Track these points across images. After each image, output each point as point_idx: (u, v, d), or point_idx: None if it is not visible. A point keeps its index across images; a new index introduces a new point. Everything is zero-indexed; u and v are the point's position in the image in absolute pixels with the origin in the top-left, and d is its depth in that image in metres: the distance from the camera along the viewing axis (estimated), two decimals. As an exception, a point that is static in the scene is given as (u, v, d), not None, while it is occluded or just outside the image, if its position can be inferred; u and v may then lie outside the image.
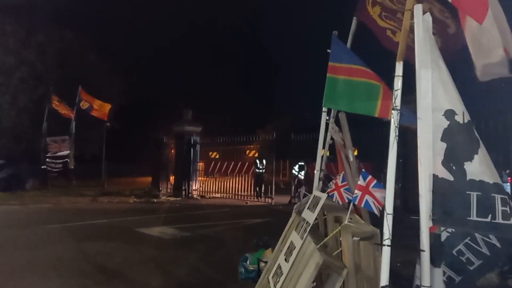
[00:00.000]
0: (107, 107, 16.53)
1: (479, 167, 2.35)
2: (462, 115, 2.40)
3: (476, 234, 2.61)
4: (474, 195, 2.31)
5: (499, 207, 2.25)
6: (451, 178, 2.38)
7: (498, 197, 2.26)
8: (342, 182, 4.05)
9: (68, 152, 15.65)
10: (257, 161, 15.38)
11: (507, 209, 2.25)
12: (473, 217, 2.30)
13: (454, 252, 2.65)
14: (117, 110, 21.04)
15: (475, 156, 2.36)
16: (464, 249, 2.65)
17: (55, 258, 5.57)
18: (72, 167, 15.77)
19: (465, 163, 2.38)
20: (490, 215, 2.27)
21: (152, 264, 5.48)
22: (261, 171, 16.70)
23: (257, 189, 15.88)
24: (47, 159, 15.93)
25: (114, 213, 10.64)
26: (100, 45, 21.98)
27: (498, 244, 2.57)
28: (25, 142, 18.09)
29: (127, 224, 8.73)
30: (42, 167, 15.95)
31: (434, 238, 2.37)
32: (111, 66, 22.75)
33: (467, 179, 2.36)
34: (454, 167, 2.38)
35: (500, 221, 2.24)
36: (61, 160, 15.79)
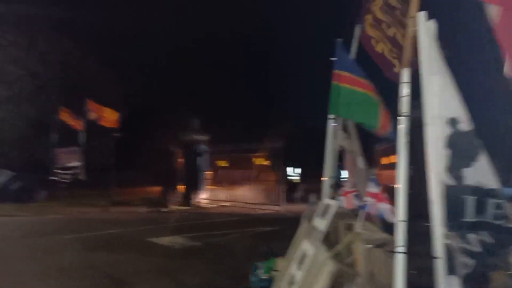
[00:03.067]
0: (115, 115, 16.68)
1: (475, 174, 2.43)
2: (464, 123, 2.43)
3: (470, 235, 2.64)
4: (469, 199, 2.40)
5: (492, 210, 2.37)
6: (453, 183, 2.41)
7: (492, 201, 2.38)
8: (351, 189, 4.05)
9: (77, 163, 15.78)
10: (288, 168, 15.88)
11: (501, 211, 2.37)
12: (468, 218, 2.39)
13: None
14: (126, 119, 21.19)
15: (472, 163, 2.45)
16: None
17: (68, 268, 5.61)
18: (82, 178, 15.90)
19: (463, 169, 2.45)
20: (483, 217, 2.39)
21: (163, 274, 5.50)
22: (294, 177, 16.92)
23: (293, 196, 16.12)
24: (57, 170, 16.08)
25: (124, 223, 10.69)
26: (108, 55, 22.19)
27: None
28: (35, 154, 18.27)
29: (138, 234, 8.76)
30: (52, 178, 16.10)
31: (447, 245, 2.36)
32: (118, 76, 22.96)
33: (464, 183, 2.41)
34: (455, 173, 2.40)
35: (492, 221, 2.36)
36: (70, 171, 15.93)
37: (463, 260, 2.51)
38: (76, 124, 16.19)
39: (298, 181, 17.77)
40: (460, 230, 2.43)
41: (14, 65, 18.60)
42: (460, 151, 2.44)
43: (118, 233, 9.04)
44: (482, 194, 2.39)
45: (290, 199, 16.68)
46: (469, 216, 2.38)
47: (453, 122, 2.46)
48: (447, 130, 2.45)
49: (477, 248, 2.55)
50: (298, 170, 17.72)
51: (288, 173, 16.87)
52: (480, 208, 2.39)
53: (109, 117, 16.39)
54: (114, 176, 17.42)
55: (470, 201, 2.39)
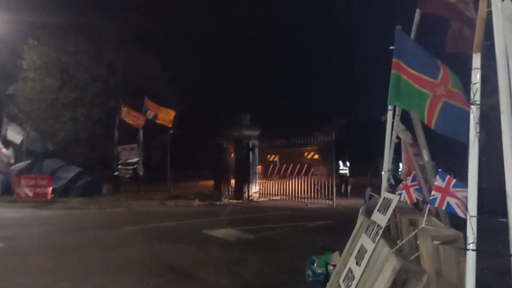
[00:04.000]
0: (172, 113, 17.43)
1: None
2: None
3: None
4: None
5: None
6: None
7: None
8: (411, 182, 3.88)
9: (138, 159, 16.70)
10: (340, 162, 15.85)
11: None
12: None
13: None
14: (179, 117, 22.13)
15: None
16: None
17: (131, 258, 5.99)
18: (141, 173, 16.82)
19: None
20: None
21: (219, 265, 5.66)
22: (345, 171, 16.84)
23: (342, 190, 16.05)
24: (119, 166, 17.15)
25: (180, 216, 11.16)
26: (164, 56, 23.34)
27: None
28: (100, 151, 19.68)
29: (194, 226, 9.10)
30: (115, 173, 17.21)
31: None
32: (173, 75, 23.99)
33: None
34: None
35: None
36: (131, 167, 16.91)
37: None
38: (136, 122, 17.13)
39: (348, 174, 17.38)
40: None
41: (84, 71, 20.20)
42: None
43: (175, 225, 9.46)
44: None
45: (341, 193, 16.37)
46: None
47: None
48: None
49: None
50: (348, 164, 17.31)
51: (339, 166, 16.53)
52: None
53: (165, 116, 17.17)
54: (171, 171, 18.26)
55: None
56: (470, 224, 2.11)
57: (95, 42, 21.29)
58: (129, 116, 17.10)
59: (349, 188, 17.23)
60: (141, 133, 16.89)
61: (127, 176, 16.94)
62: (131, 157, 16.86)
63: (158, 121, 17.34)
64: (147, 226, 9.13)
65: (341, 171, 16.88)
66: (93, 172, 16.98)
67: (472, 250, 2.11)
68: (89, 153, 20.45)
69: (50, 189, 13.84)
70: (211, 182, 18.82)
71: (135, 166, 16.69)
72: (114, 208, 12.79)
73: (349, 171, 17.41)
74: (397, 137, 4.21)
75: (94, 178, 16.41)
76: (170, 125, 17.55)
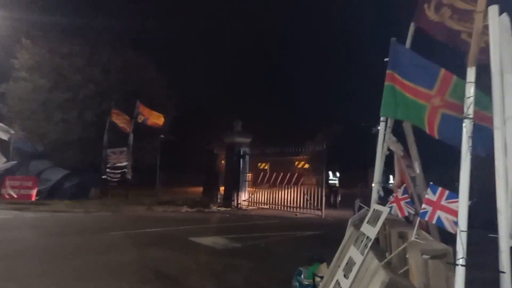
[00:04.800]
0: (162, 119, 17.31)
1: None
2: None
3: None
4: None
5: None
6: None
7: None
8: (403, 195, 3.85)
9: (126, 163, 16.52)
10: (330, 172, 15.91)
11: None
12: None
13: None
14: (171, 122, 21.99)
15: None
16: None
17: (116, 264, 5.85)
18: (130, 177, 16.61)
19: None
20: None
21: (206, 273, 5.56)
22: (334, 181, 16.86)
23: (331, 200, 16.06)
24: (107, 170, 16.93)
25: (168, 222, 11.01)
26: (158, 61, 23.27)
27: None
28: (90, 154, 19.41)
29: (181, 233, 8.96)
30: (103, 177, 16.97)
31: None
32: (166, 80, 23.91)
33: None
34: None
35: None
36: (120, 171, 16.70)
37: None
38: (125, 126, 16.97)
39: (337, 185, 17.45)
40: None
41: (77, 72, 20.03)
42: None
43: (162, 231, 9.31)
44: None
45: (330, 204, 16.37)
46: None
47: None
48: None
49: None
50: (338, 174, 17.39)
51: (328, 177, 16.58)
52: None
53: (155, 120, 17.04)
54: (160, 176, 18.07)
55: None
56: (460, 238, 2.09)
57: (90, 44, 21.14)
58: (119, 119, 16.94)
59: (338, 198, 17.26)
60: (131, 136, 16.72)
61: (115, 179, 16.71)
62: (120, 161, 16.66)
63: (148, 124, 17.21)
64: (133, 231, 8.97)
65: (330, 181, 16.92)
66: (81, 174, 16.72)
67: (462, 265, 2.08)
68: (79, 156, 20.15)
69: (35, 191, 13.57)
70: (201, 189, 18.67)
71: (123, 170, 16.48)
72: (101, 212, 12.58)
73: (339, 181, 17.46)
74: (388, 149, 4.21)
75: (82, 181, 16.18)
76: (161, 126, 17.43)
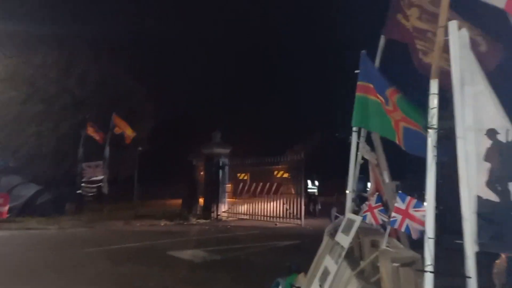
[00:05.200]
0: (133, 134, 17.04)
1: None
2: (505, 134, 2.28)
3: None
4: None
5: None
6: (496, 199, 2.25)
7: None
8: (376, 203, 3.93)
9: (102, 176, 16.14)
10: (309, 181, 15.83)
11: None
12: None
13: None
14: (149, 133, 21.68)
15: None
16: None
17: (94, 281, 5.68)
18: (106, 192, 16.23)
19: (509, 183, 2.27)
20: None
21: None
22: (313, 190, 16.85)
23: (310, 209, 16.02)
24: (82, 184, 16.48)
25: (146, 236, 10.78)
26: (135, 71, 22.96)
27: None
28: (64, 168, 18.86)
29: (159, 247, 8.80)
30: (78, 191, 16.50)
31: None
32: (144, 91, 23.63)
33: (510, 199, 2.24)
34: (499, 188, 2.25)
35: None
36: (95, 185, 16.29)
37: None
38: (101, 138, 16.64)
39: (316, 193, 17.60)
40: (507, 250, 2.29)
41: (51, 84, 19.51)
42: (502, 164, 2.30)
43: (139, 246, 9.11)
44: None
45: (309, 212, 16.44)
46: None
47: (491, 133, 2.33)
48: (486, 142, 2.33)
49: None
50: (317, 183, 17.55)
51: (307, 185, 16.70)
52: None
53: (130, 134, 16.80)
54: (138, 190, 17.73)
55: None
56: (428, 246, 2.15)
57: (64, 55, 20.67)
58: (95, 132, 16.62)
59: (317, 207, 17.37)
60: (107, 149, 16.38)
61: (91, 194, 16.28)
62: (95, 175, 16.27)
63: (126, 137, 16.93)
64: (109, 247, 8.73)
65: (309, 190, 17.04)
66: (55, 190, 16.17)
67: (430, 271, 2.13)
68: (53, 170, 19.52)
69: (7, 208, 13.05)
70: (180, 201, 18.42)
71: (99, 184, 16.09)
72: (76, 228, 12.19)
73: (318, 190, 17.61)
74: (363, 158, 4.29)
75: (55, 196, 15.64)
76: (130, 141, 17.17)
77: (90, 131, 16.64)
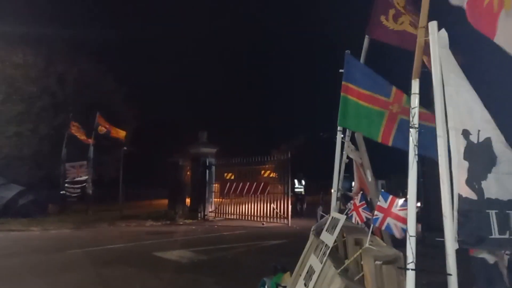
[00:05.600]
0: (123, 133, 16.86)
1: (494, 185, 2.36)
2: (476, 135, 2.36)
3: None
4: (492, 213, 2.33)
5: None
6: (474, 197, 2.32)
7: None
8: (360, 202, 3.98)
9: (87, 177, 15.89)
10: (296, 180, 15.82)
11: None
12: (495, 235, 2.32)
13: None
14: (134, 133, 21.45)
15: (489, 175, 2.38)
16: None
17: (77, 284, 5.58)
18: (91, 192, 15.98)
19: (482, 181, 2.37)
20: (508, 232, 2.31)
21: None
22: (300, 189, 16.86)
23: (298, 209, 16.00)
24: (66, 185, 16.19)
25: (131, 237, 10.65)
26: (117, 71, 22.68)
27: None
28: (46, 168, 18.50)
29: (145, 248, 8.71)
30: (61, 192, 16.20)
31: (474, 261, 2.29)
32: (129, 91, 23.37)
33: (485, 197, 2.33)
34: (476, 186, 2.32)
35: None
36: (79, 185, 16.03)
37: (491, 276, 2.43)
38: (86, 138, 16.38)
39: (303, 192, 17.65)
40: (487, 247, 2.36)
41: (31, 84, 19.08)
42: (476, 163, 2.37)
43: (125, 247, 9.00)
44: (502, 206, 2.31)
45: (297, 212, 16.51)
46: (494, 231, 2.31)
47: (466, 133, 2.40)
48: (463, 142, 2.39)
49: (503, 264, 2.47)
50: (303, 182, 17.61)
51: (294, 185, 16.76)
52: (503, 221, 2.31)
53: (116, 133, 16.59)
54: (123, 190, 17.51)
55: (493, 215, 2.32)
56: (410, 244, 2.18)
57: (44, 54, 20.27)
58: (79, 132, 16.34)
59: (304, 206, 17.45)
60: (91, 149, 16.12)
61: (75, 195, 16.00)
62: (79, 175, 16.00)
63: (112, 135, 16.69)
64: (94, 248, 8.60)
65: (296, 190, 17.10)
66: (37, 191, 15.83)
67: (412, 269, 2.17)
68: (35, 171, 19.12)
69: (-13, 209, 12.71)
70: (166, 201, 18.27)
71: (83, 184, 15.83)
72: (59, 229, 11.97)
73: (305, 190, 17.67)
74: (348, 157, 4.34)
75: (38, 197, 15.31)
76: (123, 142, 16.96)
77: (74, 130, 16.35)
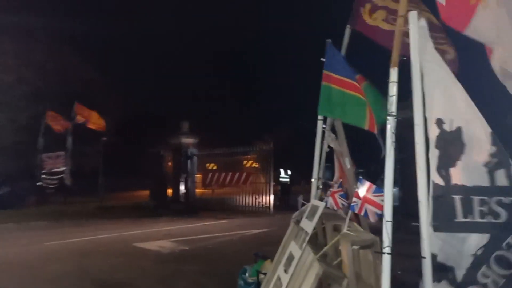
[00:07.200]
0: (102, 120, 16.52)
1: (461, 172, 2.46)
2: (449, 124, 2.43)
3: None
4: (457, 198, 2.43)
5: (477, 207, 2.41)
6: (442, 183, 2.41)
7: (476, 199, 2.41)
8: (337, 188, 4.01)
9: (64, 168, 15.56)
10: (282, 170, 15.76)
11: (484, 208, 2.40)
12: (458, 218, 2.42)
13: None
14: (116, 124, 21.04)
15: (458, 162, 2.48)
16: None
17: (55, 275, 5.48)
18: (69, 183, 15.66)
19: (450, 168, 2.46)
20: (470, 216, 2.42)
21: (152, 279, 5.40)
22: (286, 179, 16.87)
23: (283, 198, 16.02)
24: (43, 176, 15.82)
25: (112, 228, 10.51)
26: (98, 60, 22.07)
27: None
28: (24, 159, 18.00)
29: (125, 239, 8.62)
30: (38, 183, 15.83)
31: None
32: (109, 80, 22.81)
33: (452, 183, 2.44)
34: (444, 173, 2.41)
35: (478, 220, 2.40)
36: (57, 176, 15.69)
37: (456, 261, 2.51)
38: (63, 128, 15.99)
39: (289, 182, 17.80)
40: (452, 230, 2.44)
41: (9, 73, 18.36)
42: (447, 151, 2.46)
43: (105, 238, 8.89)
44: (467, 192, 2.39)
45: (282, 201, 16.65)
46: (459, 215, 2.41)
47: (439, 122, 2.47)
48: (436, 130, 2.46)
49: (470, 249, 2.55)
50: (289, 172, 17.75)
51: (279, 174, 16.86)
52: (467, 206, 2.40)
53: (96, 121, 16.24)
54: (104, 181, 17.23)
55: (457, 201, 2.41)
56: (386, 228, 2.23)
57: (23, 42, 19.51)
58: (55, 122, 15.91)
59: (289, 196, 17.62)
60: (69, 140, 15.75)
61: (52, 186, 15.66)
62: (56, 166, 15.64)
63: (90, 126, 16.33)
64: (73, 240, 8.45)
65: (281, 179, 17.22)
66: (13, 182, 15.42)
67: (388, 253, 2.22)
68: (11, 162, 18.56)
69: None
70: (148, 192, 18.11)
71: (61, 175, 15.49)
72: (36, 221, 11.69)
73: (291, 179, 17.81)
74: (329, 146, 4.37)
75: (15, 188, 14.94)
76: (103, 130, 16.63)
77: (50, 120, 15.92)
